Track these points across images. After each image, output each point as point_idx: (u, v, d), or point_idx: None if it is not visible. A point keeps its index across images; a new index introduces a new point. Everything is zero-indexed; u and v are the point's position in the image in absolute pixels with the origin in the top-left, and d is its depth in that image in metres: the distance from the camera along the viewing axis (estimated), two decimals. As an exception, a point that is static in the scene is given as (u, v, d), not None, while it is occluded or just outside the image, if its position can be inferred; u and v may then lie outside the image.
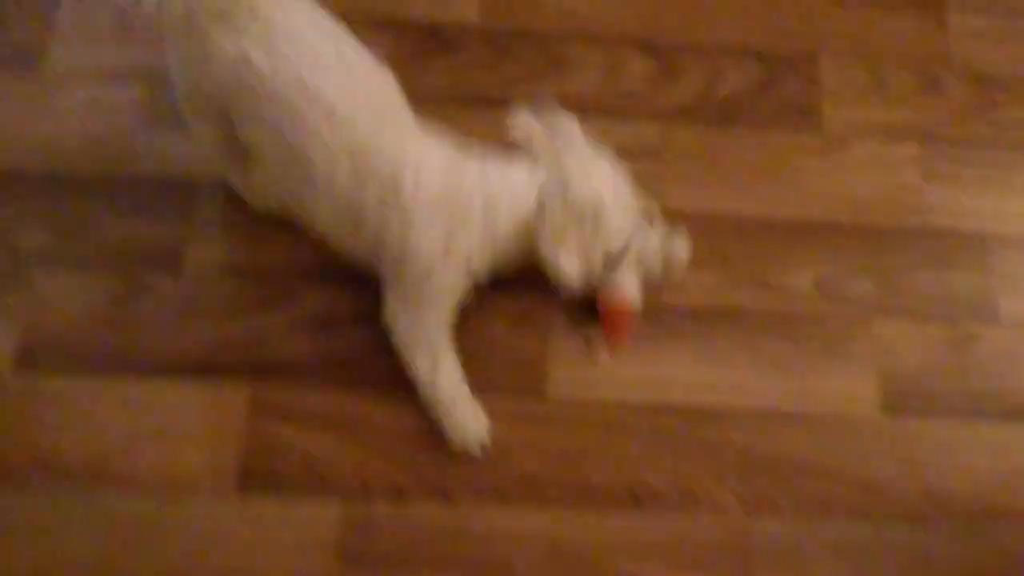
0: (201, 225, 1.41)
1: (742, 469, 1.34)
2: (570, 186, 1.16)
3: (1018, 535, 1.34)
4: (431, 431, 1.31)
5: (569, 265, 1.19)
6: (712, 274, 1.45)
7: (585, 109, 1.43)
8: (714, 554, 1.30)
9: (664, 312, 1.42)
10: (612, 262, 1.25)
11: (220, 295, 1.38)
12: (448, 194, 1.15)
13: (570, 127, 1.22)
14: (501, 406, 1.34)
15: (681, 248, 1.30)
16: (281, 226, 1.40)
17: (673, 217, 1.39)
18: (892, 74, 1.63)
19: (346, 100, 1.11)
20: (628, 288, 1.30)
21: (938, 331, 1.46)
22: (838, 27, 1.65)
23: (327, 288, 1.39)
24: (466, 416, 1.28)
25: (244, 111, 1.14)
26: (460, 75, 1.53)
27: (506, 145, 1.22)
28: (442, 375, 1.25)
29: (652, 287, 1.35)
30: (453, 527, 1.28)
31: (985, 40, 1.66)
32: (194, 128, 1.26)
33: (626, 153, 1.31)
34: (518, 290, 1.39)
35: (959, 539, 1.33)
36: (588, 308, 1.36)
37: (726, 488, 1.33)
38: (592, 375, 1.37)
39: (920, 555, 1.32)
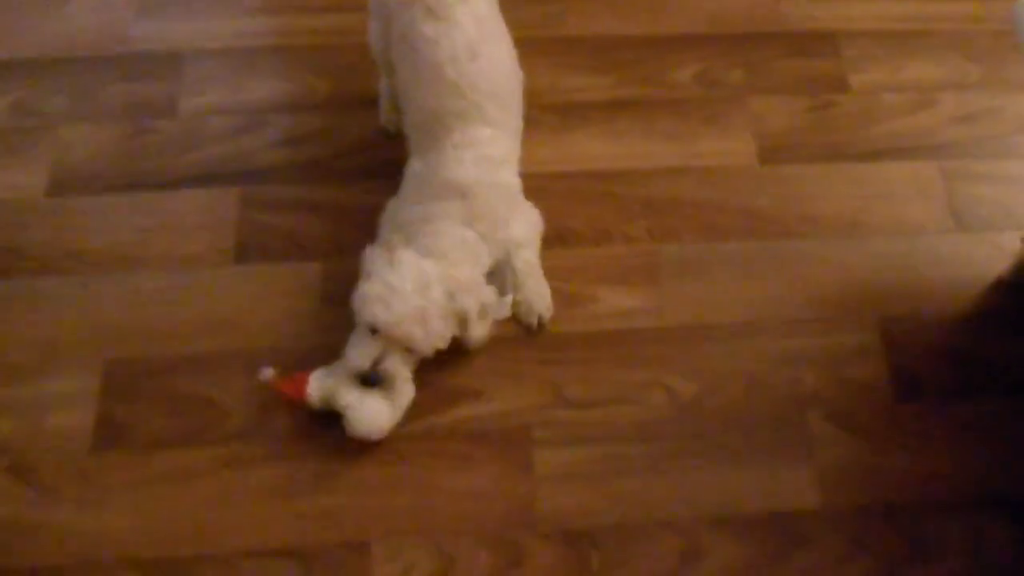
0: (188, 82, 1.74)
1: (646, 211, 1.64)
2: None
3: (876, 240, 1.63)
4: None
5: None
6: (608, 77, 1.78)
7: None
8: (631, 272, 1.58)
9: (571, 106, 1.74)
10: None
11: (209, 129, 1.69)
12: None
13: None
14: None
15: None
16: (254, 74, 1.74)
17: (573, 42, 1.76)
18: None
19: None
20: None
21: (800, 102, 1.77)
22: None
23: (296, 113, 1.71)
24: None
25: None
26: None
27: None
28: None
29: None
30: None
31: None
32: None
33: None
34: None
35: (830, 246, 1.62)
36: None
37: (635, 226, 1.63)
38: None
39: (799, 259, 1.61)
